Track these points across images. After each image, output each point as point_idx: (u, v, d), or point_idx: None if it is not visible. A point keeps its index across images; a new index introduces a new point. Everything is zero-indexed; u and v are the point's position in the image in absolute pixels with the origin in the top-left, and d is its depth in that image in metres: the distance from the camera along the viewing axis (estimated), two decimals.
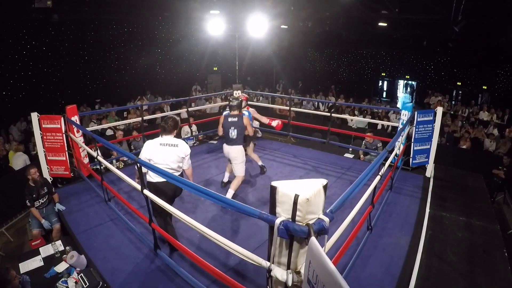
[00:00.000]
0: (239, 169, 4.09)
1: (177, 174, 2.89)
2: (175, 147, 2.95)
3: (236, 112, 4.05)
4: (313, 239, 1.40)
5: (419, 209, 3.94)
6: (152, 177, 2.93)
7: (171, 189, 2.96)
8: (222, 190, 4.39)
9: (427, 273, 2.76)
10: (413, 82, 14.39)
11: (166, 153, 2.92)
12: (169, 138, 2.99)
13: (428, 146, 4.82)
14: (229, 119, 4.01)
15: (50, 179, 4.48)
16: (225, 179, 4.53)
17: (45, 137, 4.44)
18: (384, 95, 15.62)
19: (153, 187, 2.91)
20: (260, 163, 5.00)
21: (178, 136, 6.86)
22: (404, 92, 14.72)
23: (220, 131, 4.18)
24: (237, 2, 9.81)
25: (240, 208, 1.86)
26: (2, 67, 8.82)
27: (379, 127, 8.78)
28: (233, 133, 3.98)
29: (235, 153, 4.04)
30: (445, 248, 3.13)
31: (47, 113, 4.44)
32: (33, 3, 7.95)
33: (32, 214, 3.80)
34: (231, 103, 4.06)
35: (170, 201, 2.93)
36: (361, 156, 5.98)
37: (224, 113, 4.30)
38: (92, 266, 2.91)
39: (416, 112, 4.68)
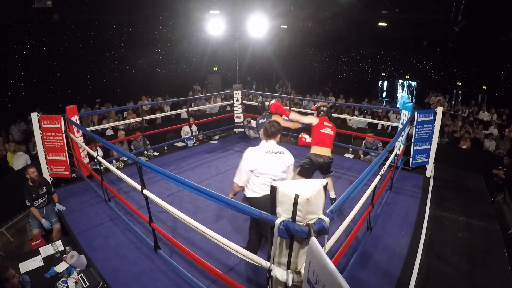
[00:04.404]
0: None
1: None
2: (281, 154, 2.66)
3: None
4: (313, 239, 1.40)
5: (419, 209, 3.94)
6: (257, 192, 2.66)
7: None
8: (222, 190, 4.37)
9: (427, 273, 2.76)
10: (413, 82, 14.40)
11: (272, 162, 2.63)
12: (274, 144, 2.71)
13: (428, 146, 4.82)
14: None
15: (50, 179, 4.48)
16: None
17: (45, 137, 4.44)
18: (384, 95, 15.62)
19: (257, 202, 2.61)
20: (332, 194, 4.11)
21: (179, 136, 6.99)
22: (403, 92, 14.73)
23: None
24: (237, 2, 9.80)
25: (240, 208, 1.86)
26: (2, 67, 8.82)
27: (379, 127, 8.77)
28: None
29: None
30: (445, 248, 3.12)
31: (47, 113, 4.43)
32: (33, 3, 7.95)
33: (32, 214, 3.80)
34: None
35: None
36: (361, 156, 5.98)
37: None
38: (92, 266, 2.91)
39: (416, 112, 4.68)
